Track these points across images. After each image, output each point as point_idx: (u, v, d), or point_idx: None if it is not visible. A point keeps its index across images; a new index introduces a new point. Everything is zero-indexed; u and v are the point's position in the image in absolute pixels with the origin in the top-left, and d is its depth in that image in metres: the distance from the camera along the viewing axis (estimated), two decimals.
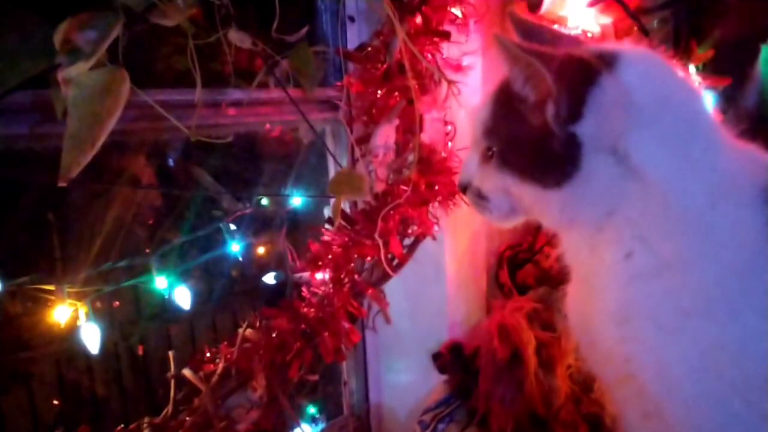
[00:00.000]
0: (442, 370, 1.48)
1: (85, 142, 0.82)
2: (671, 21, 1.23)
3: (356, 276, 1.12)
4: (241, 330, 1.08)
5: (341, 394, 1.71)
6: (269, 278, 1.58)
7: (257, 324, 1.13)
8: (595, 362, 0.79)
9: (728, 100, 1.35)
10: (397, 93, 1.10)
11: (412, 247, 1.20)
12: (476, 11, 1.21)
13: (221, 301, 1.54)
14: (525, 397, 1.30)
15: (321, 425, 1.63)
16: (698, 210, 0.71)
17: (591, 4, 1.19)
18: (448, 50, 1.22)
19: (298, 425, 1.07)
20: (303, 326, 1.09)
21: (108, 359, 1.31)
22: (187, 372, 1.07)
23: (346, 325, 1.10)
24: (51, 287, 1.18)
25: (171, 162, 1.59)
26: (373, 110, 1.13)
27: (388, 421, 1.68)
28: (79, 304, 1.19)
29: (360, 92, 1.14)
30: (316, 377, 1.17)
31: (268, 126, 1.38)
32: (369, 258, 1.14)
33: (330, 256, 1.09)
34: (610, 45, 0.80)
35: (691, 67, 1.24)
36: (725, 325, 0.70)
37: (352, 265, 1.10)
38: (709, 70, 1.28)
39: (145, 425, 1.01)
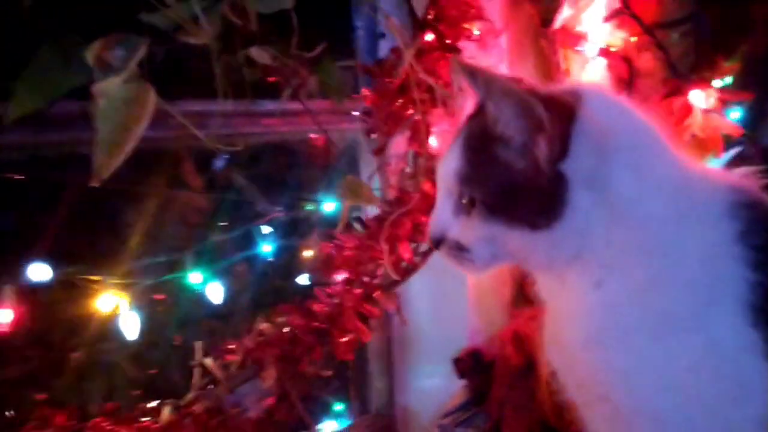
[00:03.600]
0: (461, 375, 1.51)
1: (114, 148, 0.93)
2: (692, 35, 1.22)
3: (368, 279, 1.18)
4: (257, 324, 1.15)
5: (368, 394, 1.77)
6: (303, 279, 1.67)
7: (274, 319, 1.21)
8: (570, 388, 0.81)
9: (757, 115, 1.31)
10: (410, 106, 1.16)
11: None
12: (495, 28, 1.25)
13: (256, 300, 1.64)
14: (537, 405, 1.31)
15: (347, 422, 1.70)
16: (664, 230, 0.72)
17: (607, 19, 1.20)
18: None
19: (307, 418, 1.13)
20: (315, 324, 1.16)
21: (146, 347, 1.43)
22: (208, 361, 1.16)
23: (357, 324, 1.16)
24: (97, 278, 1.31)
25: (216, 167, 1.71)
26: (389, 121, 1.18)
27: (414, 423, 1.72)
28: (121, 294, 1.32)
29: (377, 104, 1.20)
30: (329, 373, 1.23)
31: (312, 136, 1.48)
32: (381, 262, 1.19)
33: (342, 259, 1.15)
34: (566, 84, 0.81)
35: (716, 83, 1.23)
36: (695, 343, 0.71)
37: (363, 267, 1.16)
38: (735, 85, 1.26)
39: (166, 406, 1.10)
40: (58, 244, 1.26)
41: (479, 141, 0.76)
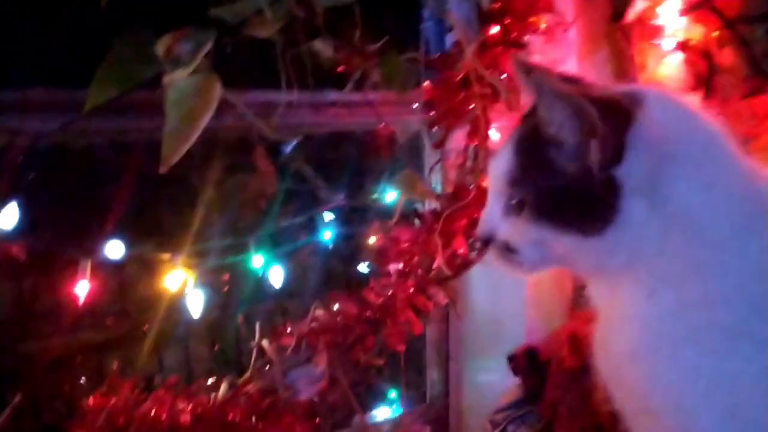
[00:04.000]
0: (515, 372, 1.50)
1: (182, 137, 0.97)
2: None
3: (423, 272, 1.19)
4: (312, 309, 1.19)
5: (424, 385, 1.79)
6: (363, 267, 1.70)
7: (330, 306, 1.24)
8: (617, 397, 0.79)
9: None
10: (471, 100, 1.15)
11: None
12: (564, 21, 1.21)
13: (317, 285, 1.68)
14: (592, 410, 1.28)
15: (401, 410, 1.72)
16: (725, 245, 0.68)
17: (685, 12, 1.14)
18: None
19: (356, 404, 1.16)
20: (368, 313, 1.18)
21: (210, 326, 1.50)
22: (265, 342, 1.20)
23: (410, 316, 1.17)
24: (166, 256, 1.38)
25: (284, 155, 1.75)
26: (450, 115, 1.18)
27: (466, 416, 1.72)
28: (189, 272, 1.38)
29: (438, 97, 1.20)
30: (381, 361, 1.25)
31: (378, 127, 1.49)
32: (436, 256, 1.20)
33: (397, 251, 1.17)
34: (629, 86, 0.78)
35: None
36: (753, 364, 0.67)
37: (418, 260, 1.17)
38: None
39: (223, 383, 1.16)
40: (133, 223, 1.33)
41: (531, 142, 0.75)
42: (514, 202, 0.77)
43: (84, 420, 1.02)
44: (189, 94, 0.94)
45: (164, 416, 1.03)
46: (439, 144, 1.23)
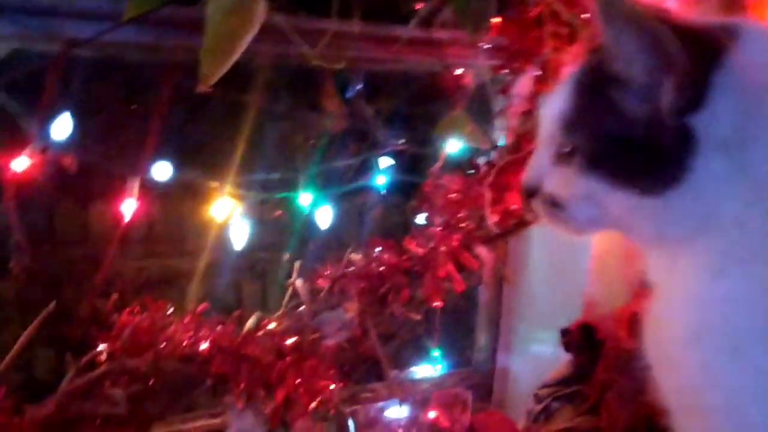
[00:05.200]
0: (567, 347, 1.39)
1: (221, 55, 0.92)
2: None
3: (470, 227, 1.09)
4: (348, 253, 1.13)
5: (471, 348, 1.72)
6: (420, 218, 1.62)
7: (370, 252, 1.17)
8: (665, 391, 0.68)
9: None
10: (545, 40, 1.02)
11: (526, 202, 1.13)
12: None
13: (367, 230, 1.62)
14: (646, 399, 1.16)
15: (444, 370, 1.66)
16: None
17: None
18: None
19: (383, 357, 1.10)
20: (407, 264, 1.10)
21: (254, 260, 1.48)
22: (298, 282, 1.16)
23: (451, 272, 1.09)
24: (214, 183, 1.35)
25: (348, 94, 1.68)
26: (520, 57, 1.06)
27: (511, 385, 1.64)
28: (236, 201, 1.35)
29: (510, 36, 1.07)
30: (418, 316, 1.18)
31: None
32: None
33: (443, 201, 1.08)
34: (727, 18, 0.63)
35: None
36: None
37: (466, 213, 1.08)
38: None
39: (253, 317, 1.13)
40: (184, 148, 1.31)
41: (592, 80, 0.64)
42: (566, 149, 0.66)
43: (109, 335, 1.01)
44: (230, 11, 0.88)
45: (186, 342, 1.02)
46: (506, 89, 1.11)
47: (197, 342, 1.00)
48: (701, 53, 0.57)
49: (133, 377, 1.00)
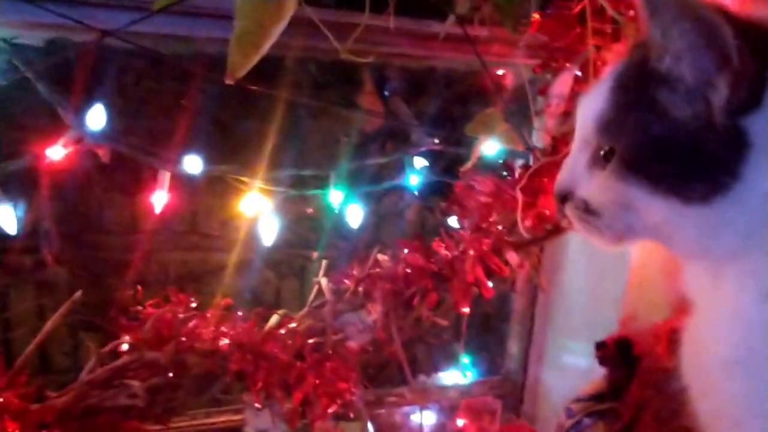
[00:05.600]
0: (602, 362, 1.32)
1: (250, 46, 0.90)
2: None
3: (501, 230, 1.05)
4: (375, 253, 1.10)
5: (500, 356, 1.66)
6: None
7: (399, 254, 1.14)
8: (704, 416, 0.62)
9: None
10: (589, 38, 0.97)
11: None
12: None
13: (400, 231, 1.59)
14: (682, 422, 1.10)
15: (472, 379, 1.61)
16: None
17: None
18: None
19: (404, 362, 1.07)
20: (434, 266, 1.07)
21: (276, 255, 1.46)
22: (323, 281, 1.14)
23: (480, 276, 1.05)
24: (245, 179, 1.34)
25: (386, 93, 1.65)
26: (560, 55, 1.01)
27: (542, 397, 1.58)
28: (266, 197, 1.34)
29: (550, 34, 1.03)
30: (445, 322, 1.15)
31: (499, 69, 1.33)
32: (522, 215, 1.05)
33: (473, 203, 1.03)
34: None
35: None
36: None
37: (497, 216, 1.03)
38: None
39: (277, 314, 1.11)
40: (215, 141, 1.31)
41: (635, 78, 0.59)
42: (603, 152, 0.61)
43: (132, 326, 1.01)
44: (259, 2, 0.86)
45: (207, 337, 1.00)
46: (545, 89, 1.06)
47: (218, 337, 0.99)
48: (759, 49, 0.51)
49: (153, 370, 0.99)
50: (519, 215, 0.95)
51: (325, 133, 1.56)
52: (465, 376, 1.61)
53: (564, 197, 0.67)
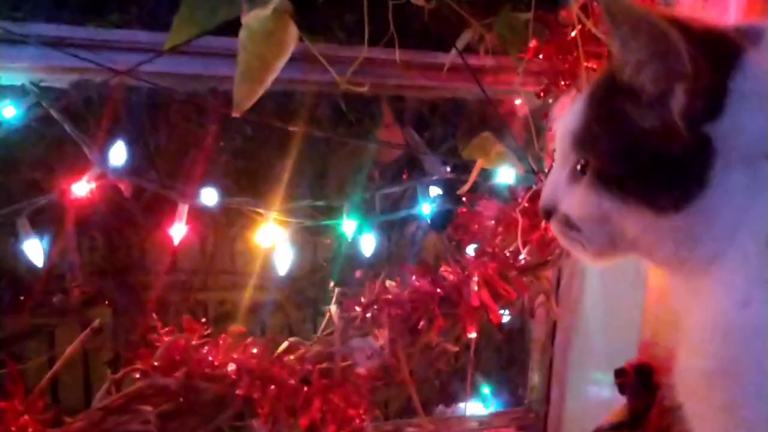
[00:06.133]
0: (621, 389, 1.29)
1: (254, 80, 0.95)
2: None
3: (507, 254, 1.05)
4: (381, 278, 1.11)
5: (522, 386, 1.64)
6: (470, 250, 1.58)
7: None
8: (692, 427, 0.61)
9: None
10: (583, 61, 0.98)
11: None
12: None
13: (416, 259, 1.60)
14: None
15: (493, 410, 1.59)
16: None
17: None
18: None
19: (413, 390, 1.06)
20: (441, 291, 1.07)
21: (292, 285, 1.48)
22: (332, 308, 1.15)
23: (486, 301, 1.05)
24: (260, 211, 1.38)
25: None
26: (557, 80, 1.03)
27: (566, 428, 1.54)
28: (281, 227, 1.37)
29: (548, 59, 1.05)
30: (455, 348, 1.14)
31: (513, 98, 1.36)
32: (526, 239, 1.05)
33: (477, 227, 1.04)
34: (749, 21, 0.57)
35: None
36: None
37: (501, 241, 1.04)
38: None
39: (290, 340, 1.12)
40: (232, 174, 1.35)
41: (605, 92, 0.61)
42: (579, 166, 0.63)
43: (145, 353, 1.04)
44: (262, 35, 0.91)
45: (216, 363, 1.03)
46: (547, 113, 1.07)
47: (226, 363, 1.01)
48: (715, 57, 0.52)
49: (166, 396, 1.01)
50: (519, 238, 0.95)
51: (343, 164, 1.60)
52: (487, 406, 1.59)
53: (548, 213, 0.68)
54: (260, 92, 0.96)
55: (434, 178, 1.47)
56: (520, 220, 0.95)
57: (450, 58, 1.23)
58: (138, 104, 1.23)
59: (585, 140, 0.61)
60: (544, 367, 1.57)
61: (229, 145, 1.34)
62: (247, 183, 1.44)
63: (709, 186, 0.53)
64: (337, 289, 1.25)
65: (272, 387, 0.97)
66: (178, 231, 1.29)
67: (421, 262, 1.11)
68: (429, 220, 1.48)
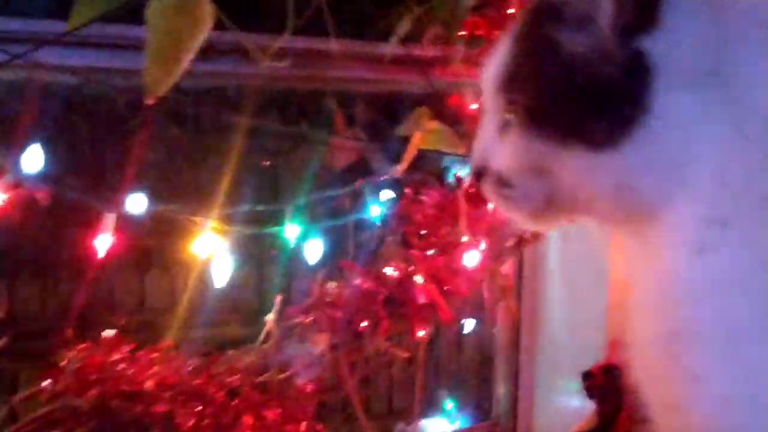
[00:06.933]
0: (589, 393, 1.21)
1: (167, 61, 0.86)
2: None
3: (453, 245, 0.97)
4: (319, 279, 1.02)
5: (488, 399, 1.54)
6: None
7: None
8: (652, 409, 0.53)
9: None
10: None
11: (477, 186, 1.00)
12: None
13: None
14: None
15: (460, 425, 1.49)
16: None
17: None
18: None
19: (356, 401, 0.96)
20: (385, 290, 0.98)
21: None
22: (269, 317, 1.05)
23: (434, 297, 0.96)
24: (196, 218, 1.28)
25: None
26: None
27: None
28: (219, 238, 1.27)
29: (487, 34, 0.98)
30: (405, 354, 1.05)
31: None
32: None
33: (420, 216, 0.96)
34: None
35: None
36: None
37: (446, 230, 0.95)
38: None
39: (228, 353, 1.02)
40: (163, 180, 1.26)
41: (529, 26, 0.55)
42: (507, 112, 0.55)
43: (55, 372, 0.93)
44: (172, 9, 0.83)
45: (137, 378, 0.92)
46: None
47: (145, 379, 0.90)
48: None
49: (76, 419, 0.90)
50: (462, 225, 0.87)
51: (292, 169, 1.52)
52: (452, 422, 1.49)
53: (479, 174, 0.60)
54: (176, 75, 0.87)
55: (383, 177, 1.40)
56: (464, 205, 0.87)
57: (391, 47, 1.16)
58: (56, 103, 1.13)
59: (512, 79, 0.54)
60: (511, 377, 1.48)
61: (161, 146, 1.25)
62: (182, 189, 1.34)
63: (650, 112, 0.46)
64: (278, 297, 1.16)
65: (196, 403, 0.86)
66: (103, 242, 1.19)
67: (366, 261, 1.02)
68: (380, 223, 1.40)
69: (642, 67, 0.46)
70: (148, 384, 0.89)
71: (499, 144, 0.57)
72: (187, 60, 0.87)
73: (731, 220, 0.45)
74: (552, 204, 0.55)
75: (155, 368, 0.92)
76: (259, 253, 1.43)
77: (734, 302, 0.45)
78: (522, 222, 0.59)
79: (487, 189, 0.59)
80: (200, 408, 0.88)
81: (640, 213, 0.50)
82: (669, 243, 0.48)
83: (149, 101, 0.89)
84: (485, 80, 0.58)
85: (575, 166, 0.50)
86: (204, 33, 0.87)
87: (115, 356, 0.97)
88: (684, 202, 0.46)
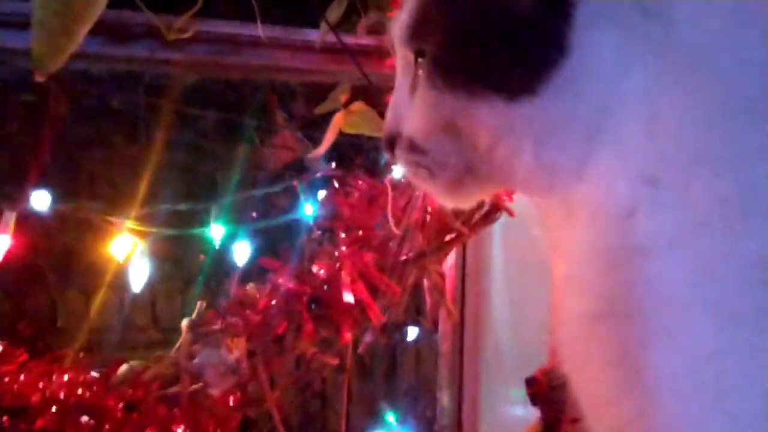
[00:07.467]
0: (533, 400, 1.14)
1: (57, 31, 0.77)
2: None
3: (383, 240, 0.89)
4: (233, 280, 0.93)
5: (432, 410, 1.46)
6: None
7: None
8: (582, 404, 0.46)
9: None
10: None
11: (487, 218, 0.93)
12: None
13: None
14: None
15: None
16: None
17: None
18: None
19: (276, 415, 0.87)
20: (309, 290, 0.90)
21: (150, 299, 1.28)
22: (184, 322, 0.96)
23: (363, 297, 0.88)
24: (111, 218, 1.18)
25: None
26: None
27: None
28: (137, 240, 1.17)
29: None
30: (334, 361, 0.96)
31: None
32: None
33: (347, 209, 0.88)
34: None
35: None
36: None
37: (376, 222, 0.88)
38: None
39: (150, 360, 0.92)
40: (71, 176, 1.15)
41: None
42: (419, 69, 0.48)
43: None
44: None
45: (23, 392, 0.81)
46: None
47: (30, 393, 0.79)
48: None
49: None
50: (389, 214, 0.80)
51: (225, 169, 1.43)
52: None
53: (392, 142, 0.53)
54: (70, 48, 0.78)
55: (317, 175, 1.32)
56: (390, 192, 0.80)
57: (322, 34, 1.09)
58: None
59: (418, 26, 0.47)
60: (455, 386, 1.41)
61: (74, 137, 1.15)
62: (97, 186, 1.23)
63: (570, 53, 0.39)
64: (199, 303, 1.07)
65: (85, 418, 0.76)
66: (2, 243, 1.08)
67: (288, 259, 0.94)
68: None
69: (559, 4, 0.40)
70: (35, 398, 0.78)
71: (410, 107, 0.50)
72: (82, 34, 0.78)
73: (664, 180, 0.39)
74: (468, 174, 0.48)
75: (44, 381, 0.81)
76: (183, 256, 1.33)
77: (669, 270, 0.39)
78: (440, 197, 0.52)
79: (400, 158, 0.52)
80: (93, 423, 0.77)
81: (563, 175, 0.43)
82: (595, 207, 0.42)
83: (38, 78, 0.79)
84: (394, 37, 0.52)
85: (490, 121, 0.43)
86: (102, 3, 0.78)
87: (3, 369, 0.86)
88: (610, 158, 0.40)
